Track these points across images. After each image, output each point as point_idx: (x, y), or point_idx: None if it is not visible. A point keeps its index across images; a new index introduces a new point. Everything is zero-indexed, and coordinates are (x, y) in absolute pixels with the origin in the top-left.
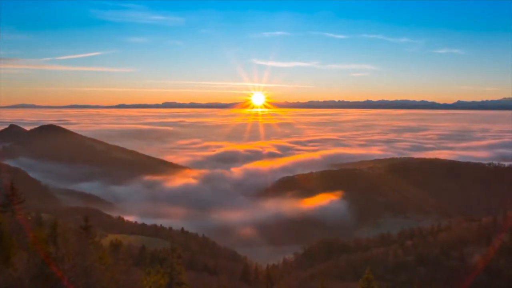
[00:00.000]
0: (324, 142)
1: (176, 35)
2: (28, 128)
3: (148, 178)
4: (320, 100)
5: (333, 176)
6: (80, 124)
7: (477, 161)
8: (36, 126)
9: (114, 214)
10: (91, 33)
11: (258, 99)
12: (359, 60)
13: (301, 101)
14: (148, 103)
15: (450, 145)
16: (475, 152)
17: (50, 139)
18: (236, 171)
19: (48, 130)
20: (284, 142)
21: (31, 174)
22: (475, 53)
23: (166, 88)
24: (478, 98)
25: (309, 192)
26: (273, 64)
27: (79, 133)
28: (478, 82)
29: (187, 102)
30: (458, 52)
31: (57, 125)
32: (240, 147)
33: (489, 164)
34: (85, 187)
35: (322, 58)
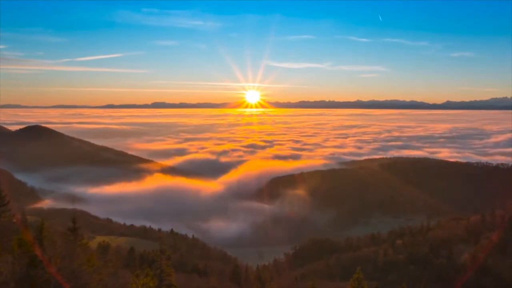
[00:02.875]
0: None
1: (204, 39)
2: (13, 128)
3: (138, 178)
4: (310, 100)
5: (323, 176)
6: (60, 124)
7: (466, 160)
8: (22, 127)
9: (102, 215)
10: (123, 36)
11: (250, 99)
12: (372, 62)
13: (292, 101)
14: (137, 103)
15: (439, 144)
16: (464, 151)
17: (36, 140)
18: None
19: (34, 131)
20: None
21: (17, 176)
22: (484, 56)
23: (168, 89)
24: (466, 98)
25: (300, 192)
26: (285, 65)
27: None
28: (478, 83)
29: (177, 102)
30: (469, 55)
31: (43, 125)
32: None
33: (477, 163)
34: (72, 188)
35: (335, 60)
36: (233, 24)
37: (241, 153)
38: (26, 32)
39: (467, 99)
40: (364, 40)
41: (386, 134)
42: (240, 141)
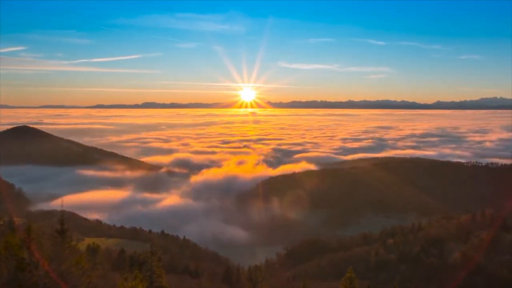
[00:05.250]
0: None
1: (222, 41)
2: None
3: (127, 179)
4: (302, 100)
5: (315, 176)
6: (47, 125)
7: (456, 160)
8: (9, 127)
9: (91, 217)
10: (148, 38)
11: (242, 99)
12: (381, 64)
13: (284, 101)
14: (128, 103)
15: (430, 144)
16: (453, 151)
17: (24, 140)
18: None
19: (22, 132)
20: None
21: (4, 177)
22: (483, 57)
23: (163, 89)
24: (456, 99)
25: (292, 192)
26: (294, 66)
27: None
28: (471, 84)
29: (168, 102)
30: (477, 58)
31: (30, 126)
32: None
33: (467, 162)
34: (61, 189)
35: (345, 61)
36: (259, 27)
37: (230, 152)
38: (56, 34)
39: (457, 99)
40: (381, 43)
41: (377, 134)
42: (230, 141)
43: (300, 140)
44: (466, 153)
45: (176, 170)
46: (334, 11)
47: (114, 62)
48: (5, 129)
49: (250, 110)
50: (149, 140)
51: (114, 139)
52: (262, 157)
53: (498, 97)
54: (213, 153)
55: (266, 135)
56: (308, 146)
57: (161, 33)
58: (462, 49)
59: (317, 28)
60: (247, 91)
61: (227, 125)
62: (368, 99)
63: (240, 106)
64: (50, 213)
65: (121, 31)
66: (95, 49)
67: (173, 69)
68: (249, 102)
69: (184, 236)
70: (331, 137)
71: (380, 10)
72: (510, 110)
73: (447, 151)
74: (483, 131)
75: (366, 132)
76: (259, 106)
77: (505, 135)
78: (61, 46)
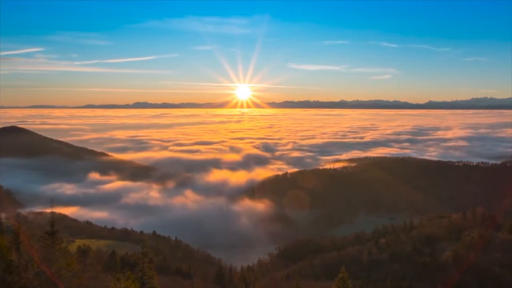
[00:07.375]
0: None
1: (238, 44)
2: None
3: (120, 180)
4: (295, 101)
5: (308, 176)
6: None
7: (447, 160)
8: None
9: (82, 218)
10: (168, 41)
11: (235, 99)
12: (387, 65)
13: (276, 101)
14: (119, 103)
15: (422, 143)
16: (445, 150)
17: (13, 140)
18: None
19: (11, 132)
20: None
21: None
22: (496, 61)
23: (165, 89)
24: (448, 99)
25: (285, 192)
26: (303, 67)
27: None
28: (463, 84)
29: (160, 102)
30: (482, 60)
31: (19, 126)
32: None
33: (458, 162)
34: (51, 190)
35: (353, 63)
36: (275, 30)
37: (219, 152)
38: (79, 36)
39: (449, 99)
40: (394, 45)
41: (368, 133)
42: (218, 141)
43: (291, 140)
44: (457, 153)
45: (164, 170)
46: (349, 13)
47: (127, 63)
48: None
49: (244, 110)
50: (125, 141)
51: (85, 137)
52: (253, 157)
53: (489, 97)
54: (199, 153)
55: (256, 134)
56: (300, 146)
57: (185, 36)
58: (470, 52)
59: (333, 31)
60: (242, 91)
61: (217, 125)
62: (360, 99)
63: (234, 106)
64: (40, 215)
65: (144, 34)
66: (112, 50)
67: (183, 71)
68: (243, 101)
69: (176, 237)
70: (323, 137)
71: (397, 12)
72: (500, 110)
73: (438, 150)
74: (474, 130)
75: (358, 131)
76: (256, 105)
77: (496, 134)
78: (79, 48)
